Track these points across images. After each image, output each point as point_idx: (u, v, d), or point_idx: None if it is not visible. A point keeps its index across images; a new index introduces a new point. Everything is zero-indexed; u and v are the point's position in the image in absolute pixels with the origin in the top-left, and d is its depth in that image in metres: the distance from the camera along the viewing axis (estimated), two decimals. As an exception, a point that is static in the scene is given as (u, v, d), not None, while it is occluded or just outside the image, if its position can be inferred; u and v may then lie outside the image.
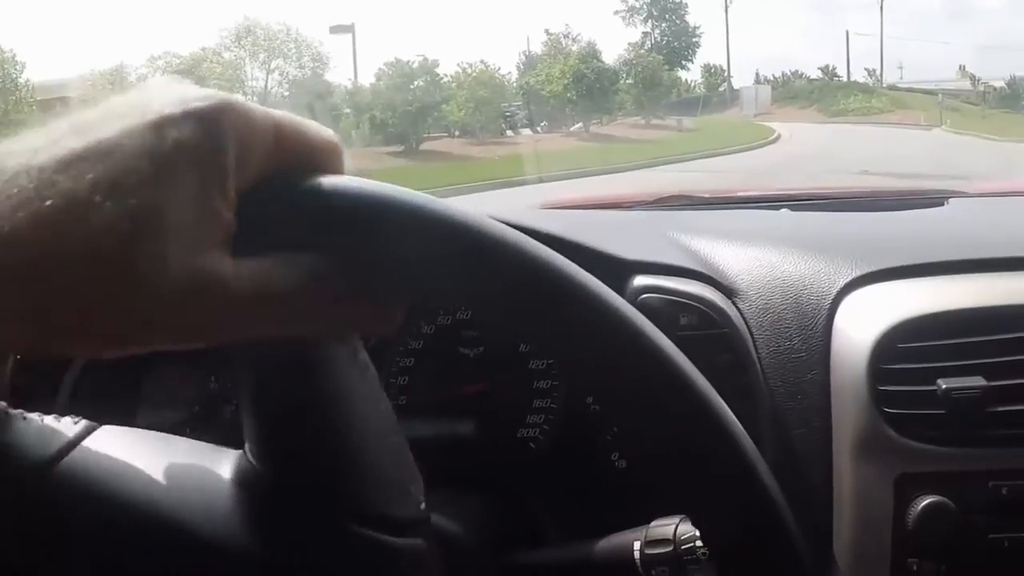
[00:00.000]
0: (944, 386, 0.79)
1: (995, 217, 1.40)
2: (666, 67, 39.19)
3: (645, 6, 50.28)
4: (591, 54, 35.02)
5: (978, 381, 0.79)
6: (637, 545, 0.69)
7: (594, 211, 1.51)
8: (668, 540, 0.68)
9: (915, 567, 0.80)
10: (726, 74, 52.67)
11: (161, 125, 0.37)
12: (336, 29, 34.65)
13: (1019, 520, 0.79)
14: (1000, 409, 0.79)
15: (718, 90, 51.42)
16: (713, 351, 0.86)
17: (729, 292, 0.92)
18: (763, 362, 0.88)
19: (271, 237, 0.40)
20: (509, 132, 31.85)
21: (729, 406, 0.83)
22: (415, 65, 33.84)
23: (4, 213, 0.34)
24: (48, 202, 0.34)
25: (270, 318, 0.40)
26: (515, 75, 37.94)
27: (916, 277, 0.89)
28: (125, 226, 0.35)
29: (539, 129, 32.79)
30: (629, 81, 35.19)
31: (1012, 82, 45.50)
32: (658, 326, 0.84)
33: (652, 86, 34.78)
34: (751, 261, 0.95)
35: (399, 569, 0.53)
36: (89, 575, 0.49)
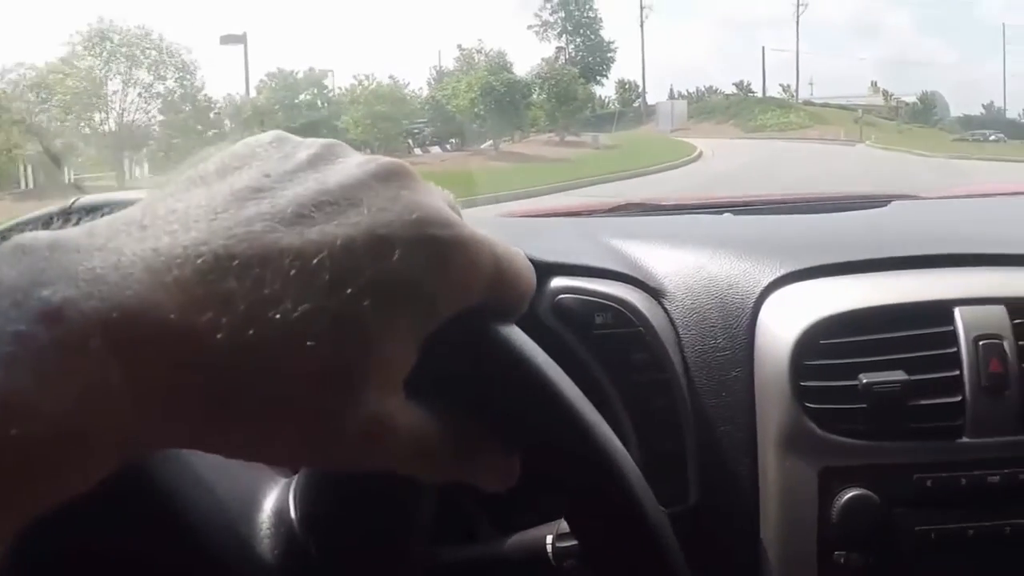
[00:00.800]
0: (865, 380, 0.88)
1: (934, 218, 1.51)
2: (581, 81, 39.53)
3: (559, 20, 51.03)
4: (501, 66, 34.46)
5: (899, 375, 0.88)
6: (549, 539, 0.76)
7: (545, 219, 1.61)
8: None
9: (842, 560, 0.89)
10: (641, 89, 53.85)
11: (391, 249, 0.36)
12: (227, 39, 33.91)
13: (945, 512, 0.89)
14: (921, 403, 0.89)
15: (633, 105, 52.55)
16: (629, 349, 0.94)
17: (656, 293, 1.01)
18: (689, 361, 0.97)
19: (445, 377, 0.41)
20: (417, 150, 31.57)
21: (647, 403, 0.92)
22: (300, 76, 33.07)
23: (203, 324, 0.32)
24: (251, 331, 0.32)
25: (419, 466, 0.40)
26: (426, 91, 37.98)
27: (840, 275, 0.99)
28: (328, 375, 0.34)
29: (448, 147, 32.50)
30: (542, 95, 35.37)
31: (924, 97, 48.26)
32: (574, 325, 0.92)
33: (567, 100, 34.80)
34: (680, 263, 1.04)
35: None
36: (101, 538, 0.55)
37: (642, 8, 53.90)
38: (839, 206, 1.58)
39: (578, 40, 50.98)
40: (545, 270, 0.98)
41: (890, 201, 1.54)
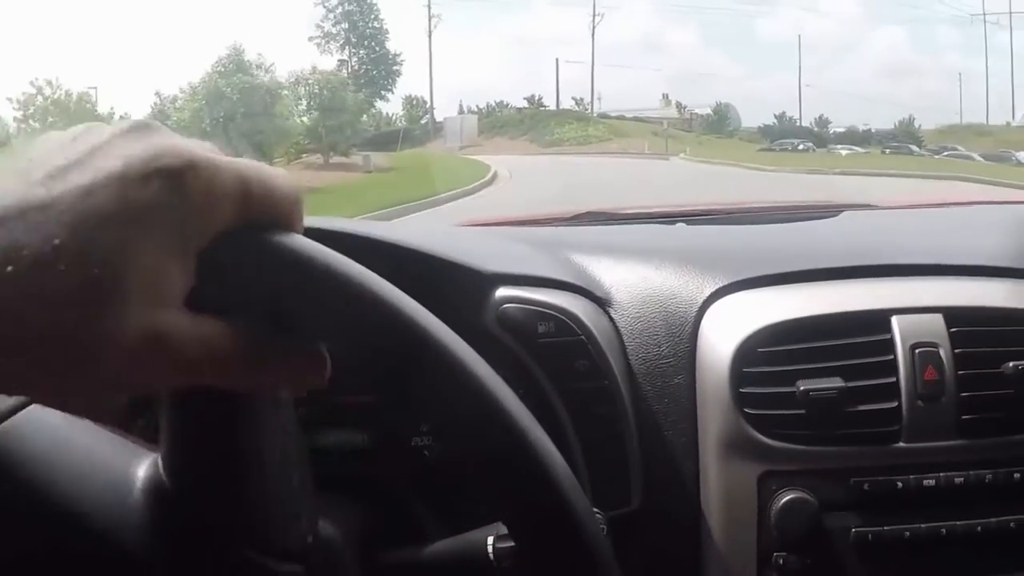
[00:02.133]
0: (802, 387, 1.06)
1: (883, 228, 1.71)
2: (351, 88, 38.50)
3: (342, 32, 50.79)
4: (237, 66, 31.63)
5: (836, 382, 1.06)
6: (490, 540, 0.87)
7: (501, 228, 1.77)
8: None
9: (781, 561, 1.06)
10: (429, 105, 53.54)
11: (126, 184, 0.46)
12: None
13: (882, 515, 1.06)
14: (858, 408, 1.07)
15: (421, 122, 52.03)
16: (571, 357, 1.10)
17: (602, 302, 1.19)
18: (633, 368, 1.14)
19: (226, 292, 0.51)
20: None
21: (590, 409, 1.11)
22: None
23: None
24: (9, 268, 0.43)
25: (216, 373, 0.50)
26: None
27: (779, 285, 1.18)
28: (88, 295, 0.44)
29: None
30: (302, 105, 33.80)
31: (718, 108, 51.29)
32: (517, 335, 1.08)
33: (333, 111, 32.72)
34: (626, 273, 1.22)
35: None
36: None
37: (430, 17, 53.58)
38: (792, 216, 1.80)
39: (362, 52, 50.80)
40: (490, 281, 1.14)
41: (841, 211, 1.76)
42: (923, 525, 1.06)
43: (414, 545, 0.95)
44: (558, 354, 1.10)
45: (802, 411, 1.07)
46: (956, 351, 1.08)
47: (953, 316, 1.11)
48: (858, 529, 1.06)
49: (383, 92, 52.11)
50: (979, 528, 1.06)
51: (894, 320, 1.10)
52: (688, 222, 1.75)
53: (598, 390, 1.10)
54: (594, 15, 55.19)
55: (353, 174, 28.90)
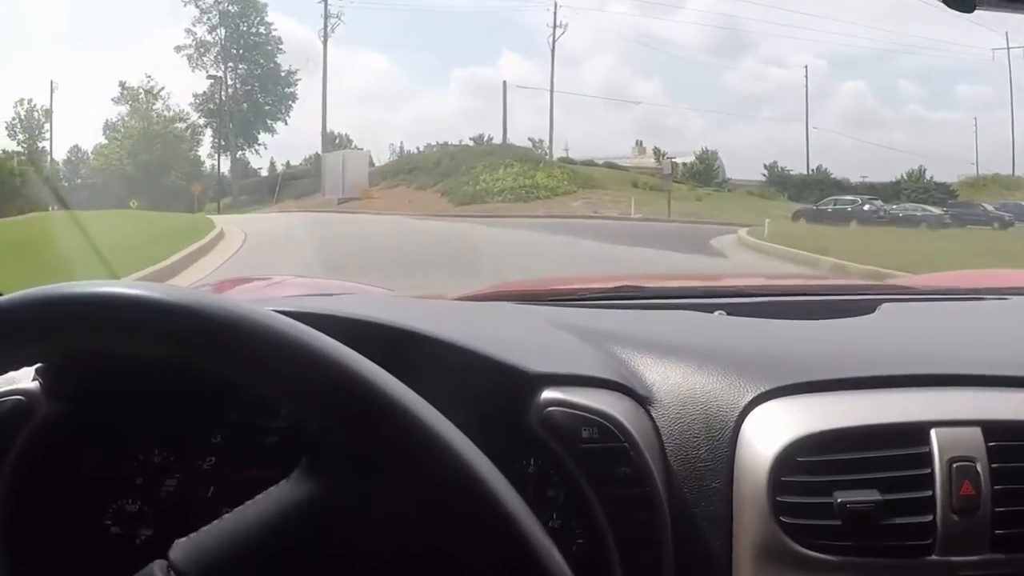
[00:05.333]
0: (840, 499, 1.15)
1: (920, 327, 1.78)
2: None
3: (219, 40, 44.40)
4: None
5: (873, 495, 1.15)
6: None
7: (542, 307, 1.85)
8: None
9: None
10: (323, 139, 47.31)
11: None
12: None
13: None
14: (893, 521, 1.15)
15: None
16: (613, 463, 1.19)
17: (644, 401, 1.27)
18: (671, 469, 1.23)
19: None
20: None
21: (629, 515, 1.20)
22: None
23: None
24: None
25: None
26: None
27: (820, 392, 1.27)
28: None
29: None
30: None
31: (703, 156, 49.51)
32: (561, 439, 1.18)
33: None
34: (669, 371, 1.31)
35: None
36: None
37: (326, 17, 45.67)
38: (830, 307, 1.89)
39: (243, 68, 44.90)
40: (536, 381, 1.23)
41: (879, 304, 1.85)
42: None
43: None
44: (600, 459, 1.19)
45: (838, 522, 1.15)
46: (993, 465, 1.17)
47: (992, 430, 1.19)
48: None
49: (270, 120, 46.27)
50: None
51: (933, 433, 1.19)
52: (728, 310, 1.84)
53: (638, 496, 1.19)
54: (555, 25, 50.92)
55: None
